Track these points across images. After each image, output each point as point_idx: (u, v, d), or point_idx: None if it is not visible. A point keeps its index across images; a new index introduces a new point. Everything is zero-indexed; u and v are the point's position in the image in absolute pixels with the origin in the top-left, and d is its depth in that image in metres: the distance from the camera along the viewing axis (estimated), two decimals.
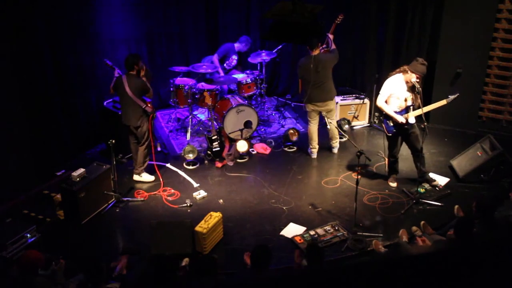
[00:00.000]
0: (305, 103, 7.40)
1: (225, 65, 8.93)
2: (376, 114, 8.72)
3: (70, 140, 7.63)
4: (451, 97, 6.25)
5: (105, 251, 5.81)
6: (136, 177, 7.12)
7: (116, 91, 6.77)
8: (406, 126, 6.44)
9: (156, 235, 5.70)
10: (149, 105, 6.77)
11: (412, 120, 6.46)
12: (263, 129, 8.59)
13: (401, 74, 6.34)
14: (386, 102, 6.47)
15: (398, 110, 6.42)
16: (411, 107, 6.37)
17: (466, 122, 8.25)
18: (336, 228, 6.07)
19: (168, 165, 7.56)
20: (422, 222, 5.98)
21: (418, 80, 6.19)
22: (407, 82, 6.30)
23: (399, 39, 8.52)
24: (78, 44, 7.49)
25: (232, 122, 7.86)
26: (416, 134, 6.55)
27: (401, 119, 6.36)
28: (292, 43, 9.17)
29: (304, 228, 6.13)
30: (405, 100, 6.35)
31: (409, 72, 6.22)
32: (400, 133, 6.53)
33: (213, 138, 7.51)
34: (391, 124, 6.46)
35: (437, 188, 6.79)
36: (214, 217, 5.88)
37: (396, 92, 6.37)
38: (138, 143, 6.93)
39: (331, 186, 7.02)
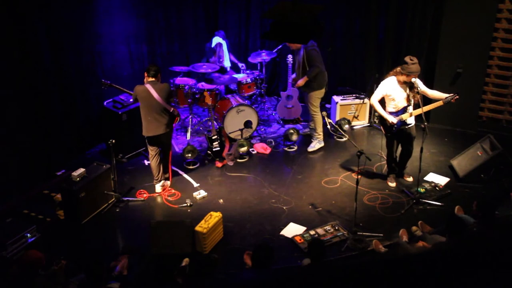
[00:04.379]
0: (321, 89, 7.55)
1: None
2: (376, 114, 8.71)
3: (70, 140, 7.63)
4: (448, 97, 6.22)
5: (105, 251, 5.81)
6: (159, 188, 6.90)
7: (138, 101, 6.45)
8: (403, 127, 6.45)
9: (156, 235, 5.70)
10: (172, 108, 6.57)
11: (410, 120, 6.47)
12: (263, 129, 8.59)
13: (394, 76, 6.35)
14: (384, 102, 6.50)
15: (394, 111, 6.44)
16: (408, 108, 6.38)
17: (466, 122, 8.25)
18: (336, 228, 6.07)
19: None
20: (420, 222, 6.00)
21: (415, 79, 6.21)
22: (404, 83, 6.30)
23: (399, 39, 8.52)
24: (78, 44, 7.48)
25: (232, 122, 7.87)
26: (411, 135, 6.56)
27: (391, 119, 6.38)
28: (292, 43, 9.16)
29: (304, 228, 6.13)
30: (406, 99, 6.35)
31: (404, 75, 6.21)
32: (397, 133, 6.54)
33: (213, 138, 7.51)
34: (388, 124, 6.47)
35: (437, 188, 6.79)
36: (214, 217, 5.88)
37: (391, 94, 6.38)
38: (162, 154, 6.72)
39: (331, 186, 7.02)
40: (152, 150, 6.68)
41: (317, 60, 7.36)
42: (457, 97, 6.18)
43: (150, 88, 6.35)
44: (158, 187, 6.88)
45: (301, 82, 7.54)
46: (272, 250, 4.74)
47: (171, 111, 6.52)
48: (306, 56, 7.35)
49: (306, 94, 7.66)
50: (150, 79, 6.42)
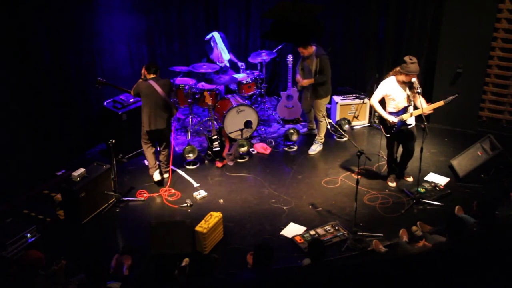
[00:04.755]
0: (327, 96, 7.58)
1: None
2: (376, 114, 8.72)
3: (70, 140, 7.63)
4: (450, 98, 6.24)
5: (105, 251, 5.81)
6: (157, 175, 7.08)
7: (141, 98, 6.66)
8: (403, 127, 6.45)
9: (156, 235, 5.70)
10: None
11: (410, 120, 6.47)
12: (263, 129, 8.59)
13: (394, 76, 6.35)
14: (384, 103, 6.50)
15: (394, 111, 6.43)
16: (409, 108, 6.37)
17: (466, 122, 8.25)
18: (336, 228, 6.07)
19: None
20: (419, 222, 5.99)
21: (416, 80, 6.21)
22: (404, 83, 6.30)
23: (399, 39, 8.52)
24: (78, 44, 7.49)
25: (232, 122, 7.87)
26: (412, 136, 6.56)
27: (392, 119, 6.38)
28: (292, 43, 9.17)
29: (304, 228, 6.13)
30: (407, 99, 6.35)
31: (403, 74, 6.21)
32: (397, 133, 6.54)
33: (213, 138, 7.51)
34: (389, 124, 6.47)
35: (437, 188, 6.79)
36: (214, 217, 5.88)
37: (391, 94, 6.38)
38: (160, 147, 6.96)
39: (331, 186, 7.02)
40: (147, 143, 6.86)
41: (329, 70, 7.41)
42: (441, 104, 6.20)
43: (154, 84, 6.51)
44: (156, 175, 6.99)
45: (306, 82, 7.50)
46: (272, 250, 4.74)
47: (172, 106, 6.75)
48: (319, 63, 7.32)
49: (312, 100, 7.63)
50: (152, 75, 6.58)
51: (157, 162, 7.03)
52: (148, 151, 6.94)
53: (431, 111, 6.45)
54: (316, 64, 7.34)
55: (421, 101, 6.28)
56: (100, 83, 7.02)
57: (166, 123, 6.70)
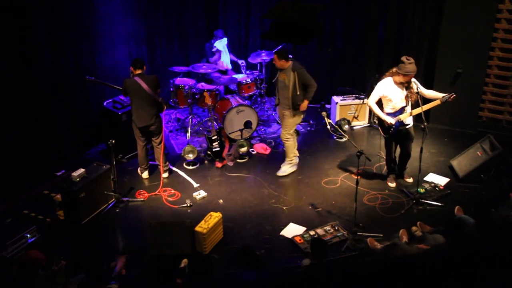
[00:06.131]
0: (303, 113, 7.00)
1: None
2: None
3: (70, 140, 7.63)
4: (446, 96, 6.22)
5: (105, 251, 5.81)
6: (146, 174, 7.26)
7: (128, 94, 6.73)
8: (401, 127, 6.45)
9: (156, 235, 5.70)
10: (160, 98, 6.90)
11: (408, 120, 6.46)
12: (263, 129, 8.59)
13: (390, 77, 6.34)
14: (382, 103, 6.50)
15: (391, 112, 6.43)
16: (406, 108, 6.36)
17: (466, 122, 8.25)
18: (336, 228, 6.07)
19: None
20: (419, 222, 5.99)
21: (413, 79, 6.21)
22: (401, 83, 6.29)
23: (399, 39, 8.52)
24: (78, 44, 7.49)
25: (232, 122, 7.87)
26: (410, 136, 6.55)
27: (389, 120, 6.37)
28: (292, 43, 9.17)
29: (304, 228, 6.13)
30: (405, 100, 6.35)
31: (401, 75, 6.20)
32: (395, 133, 6.53)
33: (213, 138, 7.51)
34: (386, 125, 6.47)
35: (437, 188, 6.79)
36: (214, 217, 5.88)
37: (388, 95, 6.37)
38: (151, 143, 7.05)
39: (331, 186, 7.02)
40: (141, 141, 6.93)
41: (312, 79, 6.76)
42: (454, 95, 6.18)
43: (139, 80, 6.58)
44: (145, 174, 7.18)
45: (305, 105, 6.81)
46: (254, 250, 4.76)
47: (159, 101, 6.76)
48: (298, 78, 6.66)
49: (285, 118, 6.94)
50: (138, 71, 6.64)
51: (148, 163, 7.18)
52: (143, 151, 7.04)
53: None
54: (294, 78, 6.65)
55: (430, 93, 6.30)
56: (89, 81, 7.13)
57: (154, 118, 6.75)
